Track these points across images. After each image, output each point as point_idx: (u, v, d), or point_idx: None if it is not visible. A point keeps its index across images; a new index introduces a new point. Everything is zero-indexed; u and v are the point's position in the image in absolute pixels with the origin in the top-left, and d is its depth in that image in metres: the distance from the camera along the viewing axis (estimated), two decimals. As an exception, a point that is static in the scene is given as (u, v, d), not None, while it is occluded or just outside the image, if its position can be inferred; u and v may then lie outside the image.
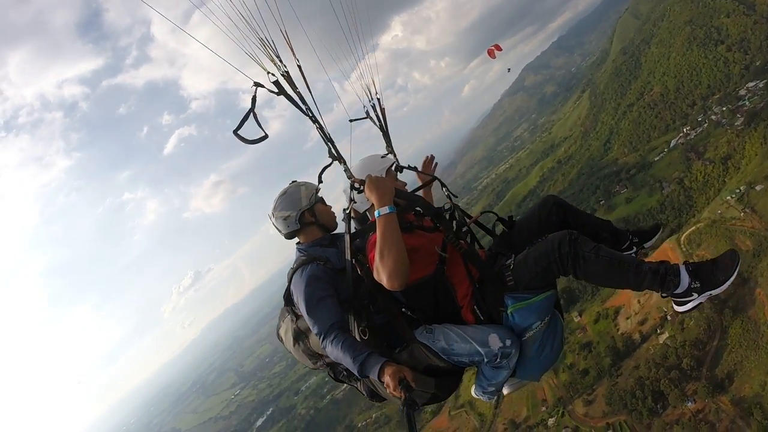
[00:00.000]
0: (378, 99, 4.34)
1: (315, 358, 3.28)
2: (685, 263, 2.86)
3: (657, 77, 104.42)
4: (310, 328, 3.06)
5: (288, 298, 3.31)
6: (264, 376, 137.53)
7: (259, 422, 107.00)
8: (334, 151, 3.48)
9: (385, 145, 4.34)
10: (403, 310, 3.10)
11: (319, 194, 3.51)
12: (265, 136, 3.25)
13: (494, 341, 2.90)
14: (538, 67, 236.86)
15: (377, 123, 4.33)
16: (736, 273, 2.80)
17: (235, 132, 3.19)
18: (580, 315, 58.29)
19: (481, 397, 3.42)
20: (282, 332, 3.42)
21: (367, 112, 4.34)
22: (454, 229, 3.33)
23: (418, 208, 3.33)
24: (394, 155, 4.16)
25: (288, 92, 3.34)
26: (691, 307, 2.88)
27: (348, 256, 3.12)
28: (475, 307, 3.02)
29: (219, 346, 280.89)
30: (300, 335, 3.27)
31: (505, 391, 3.36)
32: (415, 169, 3.86)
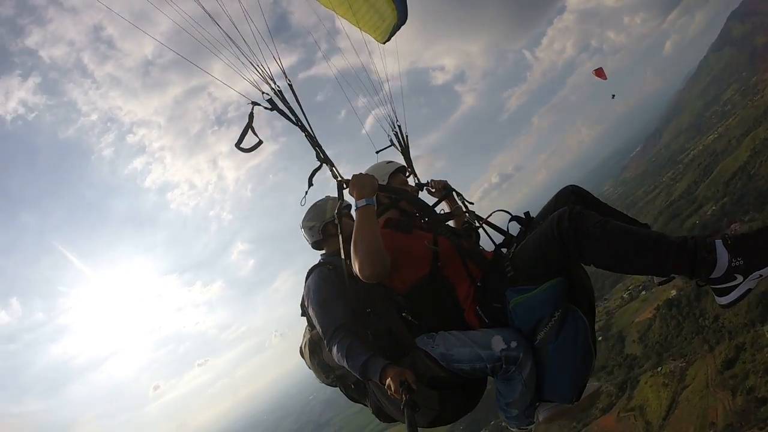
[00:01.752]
0: (399, 126, 4.48)
1: (327, 371, 3.22)
2: (723, 236, 2.23)
3: None
4: (318, 329, 3.02)
5: (303, 307, 3.31)
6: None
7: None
8: (321, 154, 3.51)
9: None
10: (404, 315, 2.92)
11: (350, 210, 3.42)
12: (260, 142, 3.49)
13: (497, 343, 2.59)
14: (746, 14, 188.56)
15: (400, 149, 4.48)
16: None
17: (237, 145, 3.46)
18: (776, 328, 47.98)
19: (510, 425, 2.99)
20: (303, 346, 3.39)
21: (391, 140, 4.50)
22: (460, 232, 3.21)
23: (430, 214, 3.38)
24: (415, 176, 4.13)
25: (280, 107, 3.58)
26: (737, 296, 2.25)
27: (343, 254, 3.08)
28: (477, 308, 2.77)
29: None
30: (315, 346, 3.24)
31: (540, 417, 2.81)
32: (427, 184, 3.94)
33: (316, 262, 3.41)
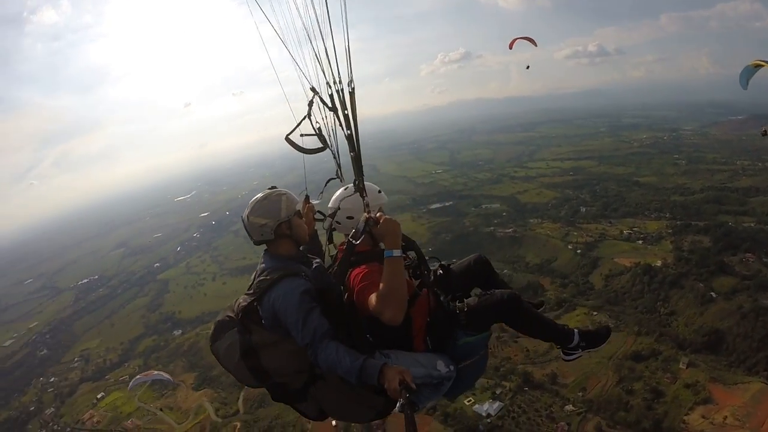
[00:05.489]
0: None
1: (262, 376, 3.22)
2: (578, 329, 4.11)
3: None
4: (300, 337, 3.04)
5: (248, 309, 3.22)
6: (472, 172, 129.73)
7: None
8: (360, 184, 3.49)
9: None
10: (366, 335, 3.44)
11: (298, 207, 3.49)
12: (324, 147, 3.35)
13: (441, 365, 3.55)
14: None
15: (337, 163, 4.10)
16: (608, 340, 4.12)
17: (287, 137, 3.31)
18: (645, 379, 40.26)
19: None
20: (222, 345, 3.32)
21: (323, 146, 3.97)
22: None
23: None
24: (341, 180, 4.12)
25: (339, 111, 3.30)
26: (575, 357, 4.09)
27: (337, 273, 3.47)
28: (427, 338, 3.67)
29: (454, 127, 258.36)
30: (250, 351, 3.19)
31: (421, 405, 3.80)
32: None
33: (284, 268, 3.28)
